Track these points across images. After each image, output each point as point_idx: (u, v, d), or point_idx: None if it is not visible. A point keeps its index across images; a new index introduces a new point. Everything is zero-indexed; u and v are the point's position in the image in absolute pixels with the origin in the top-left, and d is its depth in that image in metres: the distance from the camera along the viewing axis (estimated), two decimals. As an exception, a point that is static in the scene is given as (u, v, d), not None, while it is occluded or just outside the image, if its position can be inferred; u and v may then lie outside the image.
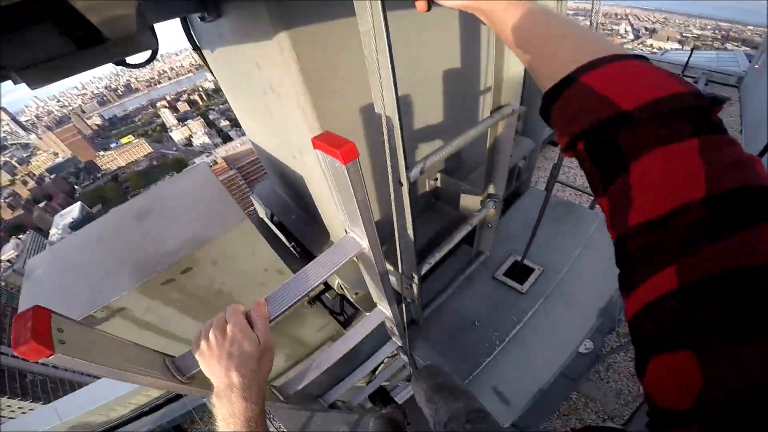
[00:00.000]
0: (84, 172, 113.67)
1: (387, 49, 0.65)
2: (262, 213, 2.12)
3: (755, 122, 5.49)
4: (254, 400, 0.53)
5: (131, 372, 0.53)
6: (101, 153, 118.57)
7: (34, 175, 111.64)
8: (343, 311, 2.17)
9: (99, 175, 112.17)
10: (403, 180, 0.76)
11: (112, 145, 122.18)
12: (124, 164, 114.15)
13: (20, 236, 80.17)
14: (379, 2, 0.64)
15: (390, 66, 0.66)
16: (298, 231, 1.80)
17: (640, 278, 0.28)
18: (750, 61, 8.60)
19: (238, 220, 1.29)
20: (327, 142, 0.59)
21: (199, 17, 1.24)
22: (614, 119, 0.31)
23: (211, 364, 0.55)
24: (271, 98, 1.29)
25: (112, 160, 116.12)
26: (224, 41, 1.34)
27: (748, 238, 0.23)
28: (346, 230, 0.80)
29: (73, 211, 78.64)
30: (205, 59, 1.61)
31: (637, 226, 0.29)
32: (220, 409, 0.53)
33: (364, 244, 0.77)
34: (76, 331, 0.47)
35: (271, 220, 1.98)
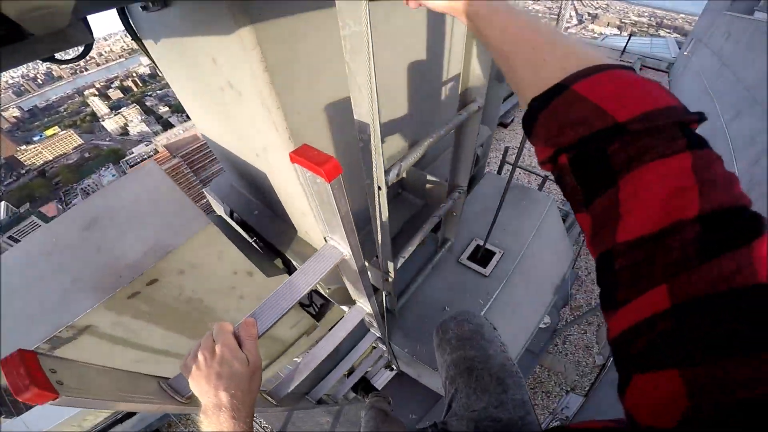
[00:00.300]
0: (5, 168, 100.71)
1: (371, 56, 0.63)
2: (220, 210, 2.02)
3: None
4: (243, 419, 0.53)
5: (134, 401, 0.52)
6: (23, 147, 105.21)
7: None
8: (313, 303, 2.17)
9: (23, 171, 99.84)
10: (382, 184, 0.77)
11: (36, 138, 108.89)
12: (51, 158, 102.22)
13: (-70, 241, 70.38)
14: (365, 3, 0.58)
15: (373, 73, 0.64)
16: (263, 228, 1.75)
17: (628, 295, 0.27)
18: (680, 48, 9.47)
19: (202, 224, 1.23)
20: (307, 158, 0.58)
21: (141, 6, 1.11)
22: (608, 131, 0.30)
23: (200, 383, 0.54)
24: (230, 95, 1.21)
25: (37, 154, 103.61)
26: (172, 32, 1.22)
27: (738, 259, 0.23)
28: (325, 238, 0.80)
29: (-2, 212, 70.16)
30: (146, 50, 1.45)
31: (626, 243, 0.28)
32: (207, 426, 0.53)
33: (346, 252, 0.77)
34: (68, 369, 0.46)
35: (231, 217, 1.91)
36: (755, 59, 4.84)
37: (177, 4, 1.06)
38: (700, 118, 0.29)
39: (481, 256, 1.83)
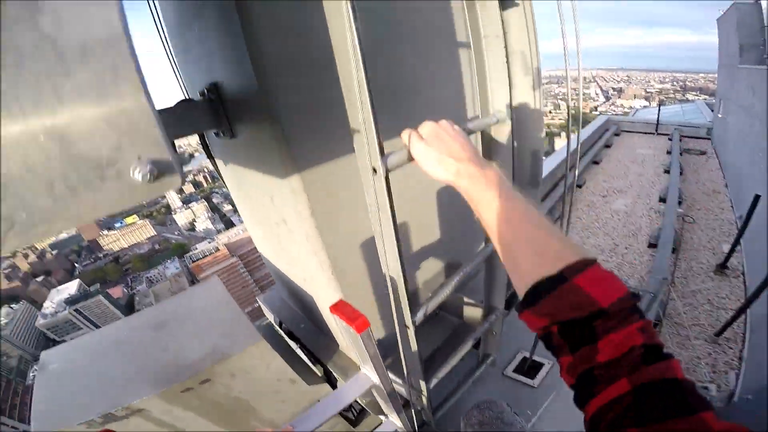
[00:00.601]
0: (86, 250, 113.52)
1: (391, 218, 0.74)
2: (270, 318, 2.21)
3: (737, 180, 5.46)
4: None
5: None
6: (105, 232, 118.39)
7: (36, 249, 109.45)
8: (352, 408, 2.14)
9: (101, 255, 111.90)
10: (409, 324, 0.87)
11: (117, 225, 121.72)
12: (126, 246, 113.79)
13: (12, 305, 79.48)
14: (385, 185, 0.69)
15: (395, 232, 0.74)
16: (308, 340, 1.87)
17: (599, 389, 0.41)
18: (712, 110, 9.04)
19: (255, 339, 1.40)
20: (343, 312, 0.74)
21: (215, 133, 1.25)
22: (596, 313, 0.45)
23: None
24: (284, 230, 1.37)
25: (114, 240, 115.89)
26: (237, 160, 1.38)
27: (665, 365, 0.40)
28: (359, 366, 0.91)
29: (71, 287, 78.38)
30: (217, 168, 1.64)
31: (602, 363, 0.43)
32: None
33: (376, 380, 0.87)
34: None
35: (280, 327, 2.08)
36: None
37: (242, 137, 1.17)
38: (639, 297, 0.48)
39: (529, 368, 1.77)
